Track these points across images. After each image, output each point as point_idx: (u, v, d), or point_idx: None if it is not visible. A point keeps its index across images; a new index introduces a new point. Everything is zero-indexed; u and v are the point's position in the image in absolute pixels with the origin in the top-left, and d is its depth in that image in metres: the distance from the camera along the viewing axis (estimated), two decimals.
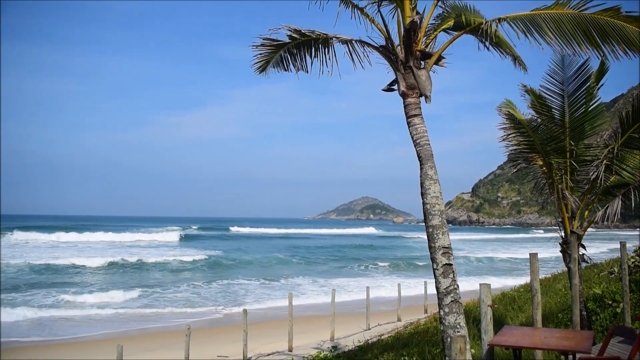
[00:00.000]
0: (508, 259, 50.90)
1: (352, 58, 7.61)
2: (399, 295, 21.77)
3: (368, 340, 15.23)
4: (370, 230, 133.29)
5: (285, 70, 8.12)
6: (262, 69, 8.09)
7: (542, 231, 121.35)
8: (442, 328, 6.92)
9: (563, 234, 9.61)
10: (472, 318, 12.59)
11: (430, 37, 7.89)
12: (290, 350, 15.81)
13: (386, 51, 7.53)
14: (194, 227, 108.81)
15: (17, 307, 22.67)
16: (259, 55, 7.87)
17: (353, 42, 7.59)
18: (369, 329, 18.63)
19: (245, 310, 15.43)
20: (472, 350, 8.03)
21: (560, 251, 9.65)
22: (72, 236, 66.99)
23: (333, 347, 14.26)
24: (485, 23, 7.41)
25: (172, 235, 75.53)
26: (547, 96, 9.62)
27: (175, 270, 38.63)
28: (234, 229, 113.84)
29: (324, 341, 16.77)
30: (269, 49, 7.77)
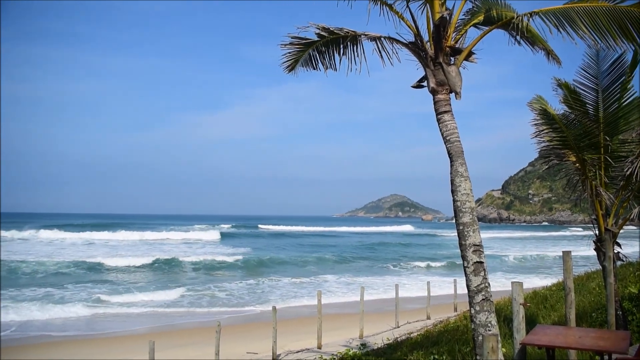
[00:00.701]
0: (539, 257, 50.07)
1: (381, 55, 7.59)
2: (428, 293, 21.63)
3: (397, 338, 15.18)
4: (406, 228, 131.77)
5: (314, 69, 8.13)
6: (291, 67, 8.12)
7: (575, 229, 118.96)
8: (472, 326, 6.86)
9: (597, 232, 9.41)
10: (503, 317, 12.43)
11: (460, 33, 7.80)
12: (319, 347, 15.85)
13: (415, 48, 7.48)
14: (226, 226, 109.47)
15: (59, 304, 23.25)
16: (288, 54, 7.90)
17: (382, 39, 7.56)
18: (398, 327, 18.55)
19: (274, 308, 15.53)
20: (503, 350, 7.94)
21: (594, 249, 9.45)
22: (106, 235, 67.67)
23: (362, 344, 14.24)
24: (517, 17, 7.31)
25: (212, 233, 76.19)
26: (580, 91, 9.42)
27: (212, 268, 38.82)
28: (264, 227, 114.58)
29: (353, 339, 16.76)
30: (298, 48, 7.79)
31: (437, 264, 44.10)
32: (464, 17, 8.31)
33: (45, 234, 66.64)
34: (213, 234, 75.33)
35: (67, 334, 18.69)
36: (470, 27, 8.07)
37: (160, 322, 20.77)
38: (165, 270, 37.51)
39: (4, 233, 61.99)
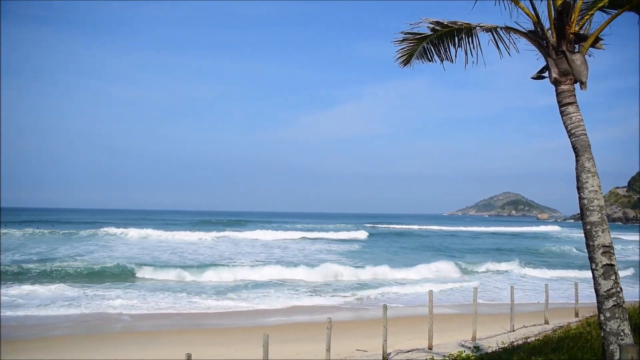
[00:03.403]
0: None
1: (498, 46, 7.28)
2: (546, 296, 20.47)
3: (512, 342, 14.50)
4: (552, 228, 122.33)
5: (430, 61, 8.02)
6: (406, 62, 8.06)
7: None
8: (602, 334, 6.36)
9: None
10: (633, 325, 11.44)
11: (585, 18, 7.27)
12: (429, 348, 15.54)
13: (535, 36, 7.09)
14: (367, 225, 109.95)
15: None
16: (402, 50, 7.84)
17: (498, 29, 7.24)
18: (513, 331, 17.72)
19: (385, 306, 15.44)
20: None
21: None
22: (268, 234, 67.76)
23: (475, 347, 13.76)
24: None
25: (361, 233, 77.59)
26: None
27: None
28: (383, 226, 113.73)
29: (465, 341, 16.26)
30: (412, 43, 7.69)
31: (554, 262, 41.67)
32: (588, 0, 7.75)
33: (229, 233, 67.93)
34: (362, 234, 76.36)
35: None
36: (595, 11, 7.49)
37: (275, 317, 21.43)
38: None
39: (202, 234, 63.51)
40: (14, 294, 23.94)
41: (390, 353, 15.04)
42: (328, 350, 13.99)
